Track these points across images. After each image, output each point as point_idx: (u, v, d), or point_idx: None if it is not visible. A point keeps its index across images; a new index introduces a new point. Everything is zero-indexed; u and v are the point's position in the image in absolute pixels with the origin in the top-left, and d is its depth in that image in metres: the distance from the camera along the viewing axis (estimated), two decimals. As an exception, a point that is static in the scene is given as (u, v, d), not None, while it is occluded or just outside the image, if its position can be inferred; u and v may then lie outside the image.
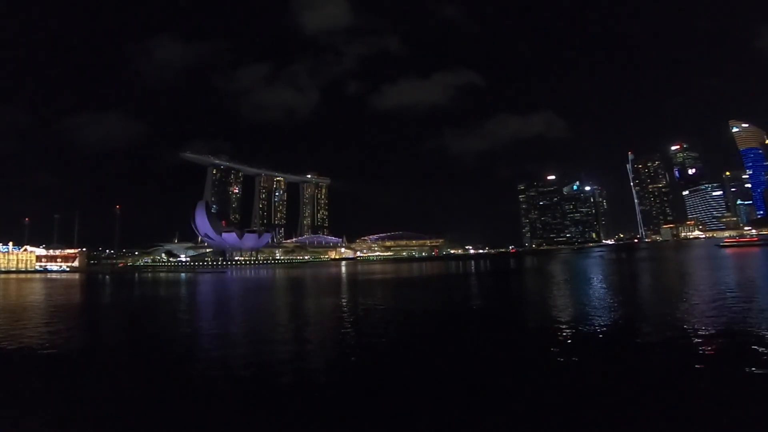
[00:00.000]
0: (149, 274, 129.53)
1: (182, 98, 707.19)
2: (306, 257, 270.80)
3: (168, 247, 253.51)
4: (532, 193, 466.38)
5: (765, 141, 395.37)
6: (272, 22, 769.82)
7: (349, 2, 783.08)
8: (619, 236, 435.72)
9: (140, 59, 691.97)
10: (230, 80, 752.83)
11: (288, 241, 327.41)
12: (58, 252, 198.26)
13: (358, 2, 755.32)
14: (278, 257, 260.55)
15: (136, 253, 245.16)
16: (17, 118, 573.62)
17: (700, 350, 15.15)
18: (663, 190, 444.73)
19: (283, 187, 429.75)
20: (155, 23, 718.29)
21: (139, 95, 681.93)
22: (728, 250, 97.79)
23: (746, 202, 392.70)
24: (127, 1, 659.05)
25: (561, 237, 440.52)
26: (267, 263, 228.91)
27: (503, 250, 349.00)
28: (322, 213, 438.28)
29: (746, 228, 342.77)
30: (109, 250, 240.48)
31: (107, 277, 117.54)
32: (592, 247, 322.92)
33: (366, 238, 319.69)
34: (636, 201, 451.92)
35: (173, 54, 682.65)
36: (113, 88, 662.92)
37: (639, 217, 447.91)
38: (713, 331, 17.34)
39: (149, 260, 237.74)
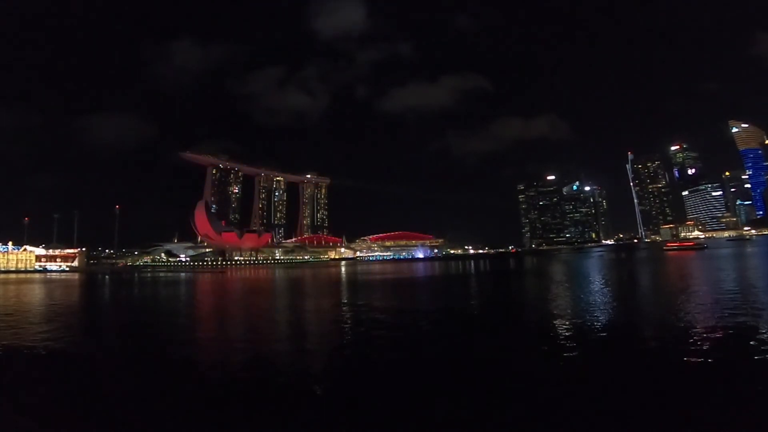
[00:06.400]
0: (149, 274, 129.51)
1: (195, 101, 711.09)
2: (306, 257, 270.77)
3: (168, 246, 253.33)
4: (532, 193, 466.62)
5: (765, 141, 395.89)
6: (289, 27, 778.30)
7: (365, 9, 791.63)
8: (618, 236, 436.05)
9: (156, 62, 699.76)
10: (244, 83, 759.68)
11: (288, 240, 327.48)
12: (57, 252, 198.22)
13: (373, 9, 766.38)
14: (278, 257, 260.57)
15: (136, 252, 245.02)
16: (28, 119, 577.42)
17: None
18: (663, 190, 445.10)
19: (282, 186, 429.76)
20: (173, 26, 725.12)
21: (152, 97, 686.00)
22: (670, 253, 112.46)
23: (746, 202, 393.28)
24: (145, 3, 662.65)
25: (561, 237, 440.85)
26: (267, 263, 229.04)
27: (503, 250, 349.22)
28: (322, 213, 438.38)
29: (746, 228, 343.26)
30: (109, 250, 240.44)
31: (107, 277, 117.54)
32: (591, 247, 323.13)
33: (366, 238, 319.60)
34: (636, 201, 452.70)
35: (189, 57, 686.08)
36: (127, 90, 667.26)
37: (639, 217, 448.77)
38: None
39: (149, 260, 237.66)
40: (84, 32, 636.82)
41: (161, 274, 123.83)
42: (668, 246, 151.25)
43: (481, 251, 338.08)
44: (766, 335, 16.36)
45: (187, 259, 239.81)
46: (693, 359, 13.87)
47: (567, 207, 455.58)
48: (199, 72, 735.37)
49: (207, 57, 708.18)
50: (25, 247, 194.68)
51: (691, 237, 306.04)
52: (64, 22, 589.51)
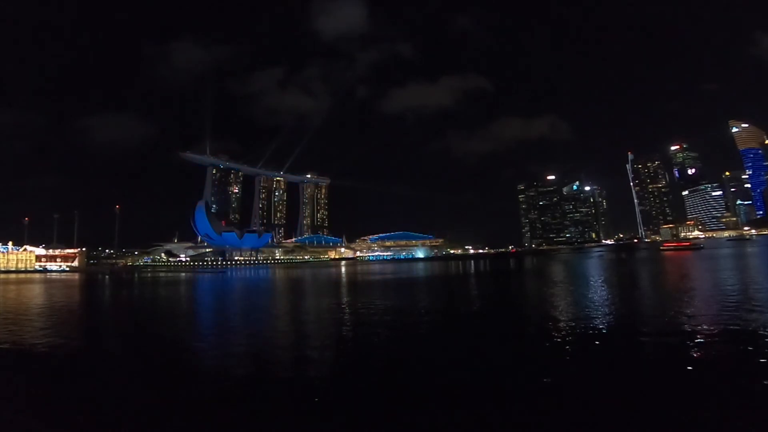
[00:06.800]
0: (149, 274, 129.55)
1: (195, 101, 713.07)
2: (306, 257, 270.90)
3: (168, 247, 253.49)
4: (532, 193, 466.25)
5: (765, 141, 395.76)
6: (290, 28, 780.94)
7: (367, 9, 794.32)
8: (618, 236, 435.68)
9: (157, 62, 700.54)
10: (244, 84, 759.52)
11: (288, 241, 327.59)
12: (57, 252, 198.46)
13: (373, 9, 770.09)
14: (278, 257, 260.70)
15: (136, 253, 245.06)
16: (28, 119, 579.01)
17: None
18: (663, 190, 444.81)
19: (282, 186, 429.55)
20: (173, 26, 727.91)
21: (152, 97, 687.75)
22: (666, 254, 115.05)
23: (746, 202, 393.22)
24: (145, 3, 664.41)
25: (561, 237, 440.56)
26: (267, 263, 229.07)
27: (503, 250, 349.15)
28: (322, 213, 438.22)
29: (746, 228, 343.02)
30: (109, 250, 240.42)
31: (107, 277, 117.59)
32: (591, 247, 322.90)
33: (366, 238, 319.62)
34: (636, 201, 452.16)
35: (190, 57, 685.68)
36: (127, 90, 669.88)
37: (639, 217, 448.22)
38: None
39: (149, 260, 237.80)
40: (84, 32, 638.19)
41: (161, 274, 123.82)
42: (665, 246, 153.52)
43: (481, 251, 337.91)
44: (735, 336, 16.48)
45: (187, 259, 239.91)
46: (677, 356, 14.00)
47: (567, 207, 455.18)
48: (199, 72, 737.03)
49: (207, 57, 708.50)
50: (25, 247, 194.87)
51: (691, 237, 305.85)
52: (64, 22, 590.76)
